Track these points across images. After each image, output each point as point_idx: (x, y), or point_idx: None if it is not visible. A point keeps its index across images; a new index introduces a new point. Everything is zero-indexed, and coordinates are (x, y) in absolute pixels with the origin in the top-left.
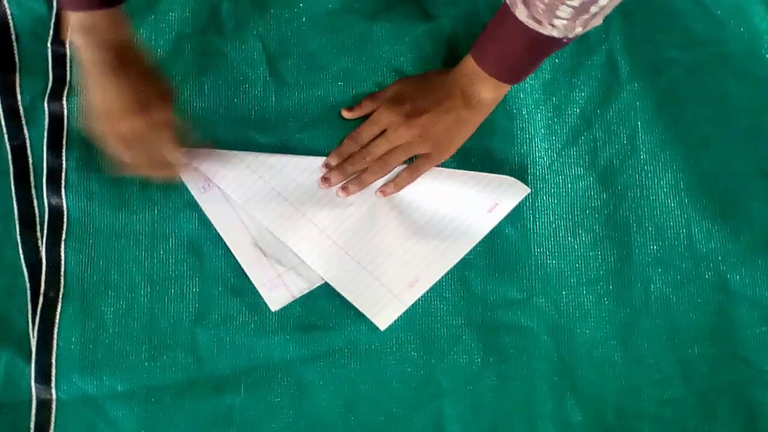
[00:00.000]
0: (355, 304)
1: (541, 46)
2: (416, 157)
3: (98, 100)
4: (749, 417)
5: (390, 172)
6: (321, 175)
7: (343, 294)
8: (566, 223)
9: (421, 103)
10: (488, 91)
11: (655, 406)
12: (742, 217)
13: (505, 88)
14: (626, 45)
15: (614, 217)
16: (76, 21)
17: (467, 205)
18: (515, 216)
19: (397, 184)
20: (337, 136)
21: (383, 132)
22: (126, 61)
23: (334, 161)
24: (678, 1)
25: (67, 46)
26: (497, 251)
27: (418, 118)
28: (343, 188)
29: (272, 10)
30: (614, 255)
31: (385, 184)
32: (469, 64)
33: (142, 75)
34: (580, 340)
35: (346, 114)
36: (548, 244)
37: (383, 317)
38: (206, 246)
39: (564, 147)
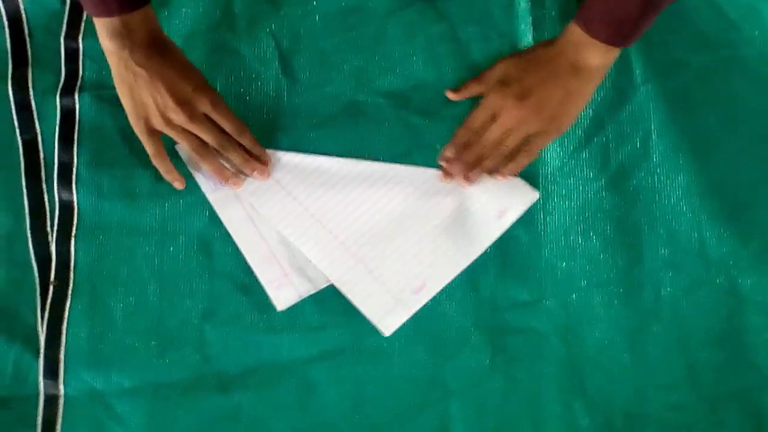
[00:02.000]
0: (360, 309)
1: None
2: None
3: (142, 99)
4: (757, 423)
5: (507, 154)
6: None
7: (348, 297)
8: (577, 225)
9: (529, 81)
10: (597, 58)
11: (662, 411)
12: (754, 222)
13: (615, 53)
14: (640, 46)
15: (625, 220)
16: (107, 26)
17: (476, 210)
18: (526, 218)
19: (518, 165)
20: (349, 135)
21: (495, 116)
22: (165, 57)
23: (451, 153)
24: (691, 3)
25: (80, 41)
26: (507, 253)
27: (529, 98)
28: (466, 178)
29: (285, 8)
30: (625, 258)
31: (506, 167)
32: (575, 31)
33: (181, 68)
34: (589, 343)
35: (451, 95)
36: (559, 247)
37: (388, 323)
38: (216, 243)
39: (576, 149)
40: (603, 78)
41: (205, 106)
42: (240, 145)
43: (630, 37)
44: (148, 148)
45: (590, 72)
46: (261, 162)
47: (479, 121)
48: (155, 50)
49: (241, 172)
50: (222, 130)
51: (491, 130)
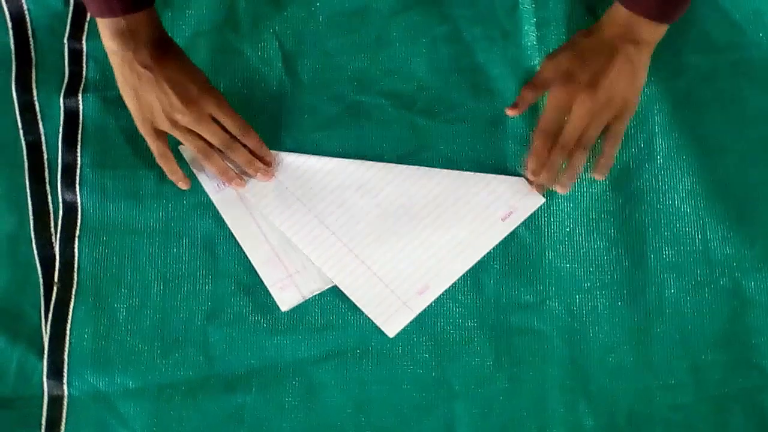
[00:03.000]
0: (364, 311)
1: None
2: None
3: (148, 100)
4: (761, 424)
5: (591, 147)
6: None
7: (352, 299)
8: (581, 227)
9: (592, 69)
10: (648, 33)
11: (666, 412)
12: (758, 224)
13: (663, 27)
14: None
15: (629, 222)
16: (110, 26)
17: (481, 213)
18: (530, 219)
19: (608, 156)
20: (353, 136)
21: (568, 113)
22: (168, 58)
23: (535, 164)
24: (696, 6)
25: (84, 42)
26: (511, 254)
27: (599, 86)
28: (561, 185)
29: (289, 9)
30: (629, 259)
31: (599, 165)
32: (620, 12)
33: (186, 69)
34: (593, 345)
35: (511, 113)
36: (562, 248)
37: (392, 324)
38: (219, 244)
39: None
40: (654, 47)
41: (210, 107)
42: (244, 145)
43: (675, 11)
44: (154, 149)
45: (647, 45)
46: (265, 163)
47: (553, 123)
48: (159, 51)
49: (245, 173)
50: (227, 131)
51: (569, 129)
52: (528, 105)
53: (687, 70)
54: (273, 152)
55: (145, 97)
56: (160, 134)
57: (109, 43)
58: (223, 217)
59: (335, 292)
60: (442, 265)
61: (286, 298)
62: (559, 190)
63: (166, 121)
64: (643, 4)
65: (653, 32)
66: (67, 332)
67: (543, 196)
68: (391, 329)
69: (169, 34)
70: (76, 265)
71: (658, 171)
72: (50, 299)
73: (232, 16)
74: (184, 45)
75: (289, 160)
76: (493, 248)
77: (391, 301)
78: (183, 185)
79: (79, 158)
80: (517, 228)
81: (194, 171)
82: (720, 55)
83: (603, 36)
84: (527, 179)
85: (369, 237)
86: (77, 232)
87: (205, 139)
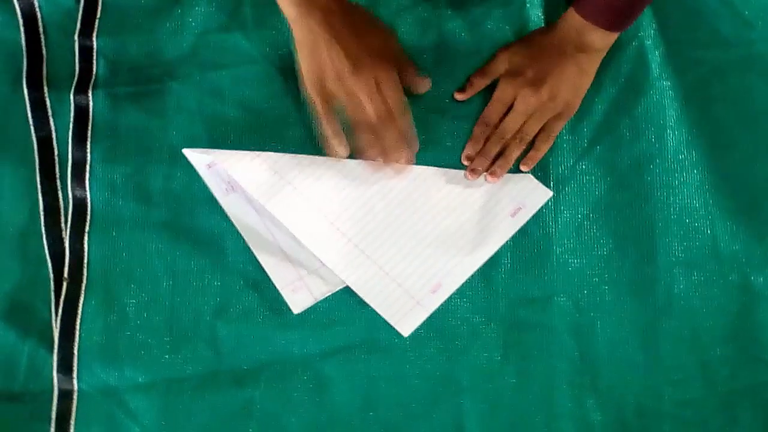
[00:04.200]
0: (378, 311)
1: None
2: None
3: (320, 62)
4: None
5: (529, 141)
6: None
7: (366, 300)
8: (590, 222)
9: (540, 67)
10: (599, 40)
11: (675, 407)
12: (767, 219)
13: (615, 35)
14: (655, 44)
15: (639, 217)
16: None
17: (490, 210)
18: (539, 214)
19: (539, 151)
20: None
21: (511, 107)
22: (345, 21)
23: (472, 150)
24: (706, 2)
25: (94, 39)
26: (520, 249)
27: (544, 84)
28: (491, 173)
29: None
30: (637, 255)
31: (527, 157)
32: (574, 18)
33: (362, 33)
34: (601, 340)
35: (459, 96)
36: (571, 243)
37: (406, 324)
38: (228, 240)
39: (590, 144)
40: (604, 55)
41: (379, 75)
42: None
43: (626, 23)
44: (320, 108)
45: (596, 52)
46: (411, 149)
47: (495, 114)
48: (337, 14)
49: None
50: (386, 104)
51: (509, 121)
52: (476, 91)
53: (697, 66)
54: (278, 154)
55: (318, 58)
56: (327, 95)
57: (289, 9)
58: (232, 219)
59: (344, 288)
60: (453, 262)
61: (298, 301)
62: (490, 178)
63: (335, 82)
64: (595, 13)
65: (603, 40)
66: (77, 327)
67: (550, 186)
68: (406, 328)
69: (178, 31)
70: (86, 261)
71: (668, 166)
72: (60, 294)
73: (239, 13)
74: (191, 42)
75: (296, 161)
76: (502, 244)
77: (405, 300)
78: (342, 151)
79: (89, 154)
80: (526, 224)
81: (200, 174)
82: (730, 51)
83: (556, 38)
84: (462, 163)
85: (380, 237)
86: (87, 228)
87: (363, 106)
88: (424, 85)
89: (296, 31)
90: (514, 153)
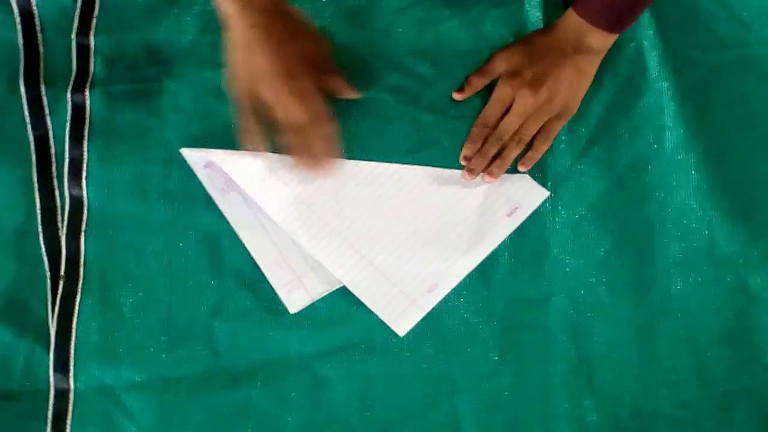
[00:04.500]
0: (374, 310)
1: None
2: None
3: (250, 62)
4: (766, 421)
5: (527, 143)
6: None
7: (362, 299)
8: (587, 222)
9: (539, 68)
10: (598, 41)
11: (671, 408)
12: (764, 221)
13: (614, 36)
14: (653, 45)
15: (636, 218)
16: None
17: (486, 209)
18: (537, 215)
19: (537, 152)
20: (358, 132)
21: (509, 107)
22: (281, 23)
23: (469, 151)
24: (703, 4)
25: (91, 38)
26: (517, 250)
27: (543, 84)
28: (489, 173)
29: (295, 4)
30: (634, 255)
31: (525, 158)
32: (574, 18)
33: (296, 36)
34: (598, 341)
35: (457, 96)
36: (568, 244)
37: (402, 323)
38: (225, 239)
39: (587, 145)
40: (603, 56)
41: (310, 80)
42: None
43: (625, 24)
44: (246, 106)
45: (594, 53)
46: (335, 154)
47: (493, 115)
48: (273, 15)
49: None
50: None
51: (507, 121)
52: (474, 91)
53: (694, 67)
54: (274, 155)
55: (248, 57)
56: (256, 95)
57: (225, 5)
58: (228, 219)
59: (341, 288)
60: (449, 262)
61: (294, 300)
62: (487, 178)
63: (266, 82)
64: (594, 15)
65: (602, 41)
66: (74, 326)
67: (547, 186)
68: (402, 328)
69: (175, 30)
70: (82, 260)
71: (665, 167)
72: (57, 293)
73: None
74: (189, 41)
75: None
76: (499, 243)
77: (401, 299)
78: (261, 149)
79: (86, 153)
80: (523, 223)
81: (196, 172)
82: (727, 52)
83: (555, 39)
84: (460, 164)
85: (376, 237)
86: (84, 227)
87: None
88: (351, 94)
89: (231, 28)
90: (512, 153)
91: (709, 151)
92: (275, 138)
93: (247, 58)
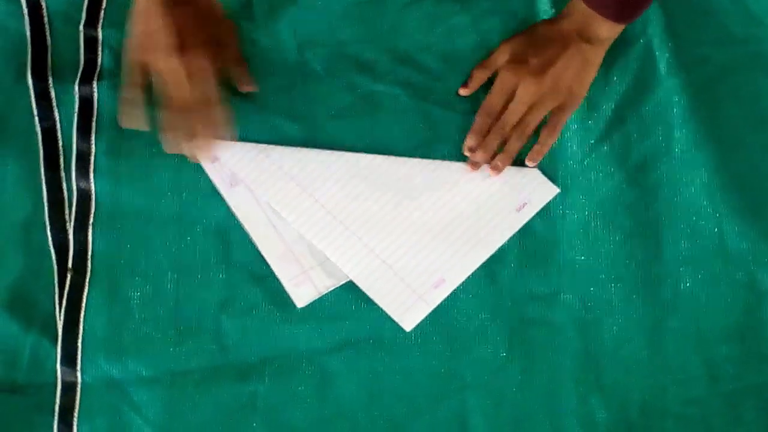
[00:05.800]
0: (381, 305)
1: None
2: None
3: (149, 32)
4: None
5: (531, 133)
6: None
7: (369, 294)
8: (597, 219)
9: (543, 56)
10: (605, 31)
11: (680, 406)
12: None
13: (621, 26)
14: (664, 41)
15: (646, 215)
16: None
17: (495, 204)
18: (545, 211)
19: (545, 145)
20: (366, 126)
21: (512, 96)
22: (200, 4)
23: (473, 142)
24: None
25: (99, 30)
26: (526, 246)
27: (547, 72)
28: (493, 167)
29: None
30: (644, 252)
31: (532, 152)
32: (579, 7)
33: (201, 14)
34: (607, 337)
35: (463, 91)
36: (578, 240)
37: (409, 318)
38: (233, 233)
39: (597, 142)
40: (609, 45)
41: (206, 61)
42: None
43: (633, 13)
44: (133, 76)
45: (601, 42)
46: (222, 137)
47: (496, 104)
48: None
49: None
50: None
51: (510, 111)
52: (478, 84)
53: (705, 63)
54: (280, 147)
55: (147, 27)
56: (147, 66)
57: None
58: (235, 213)
59: (349, 283)
60: (457, 257)
61: (302, 294)
62: (491, 172)
63: (161, 53)
64: (602, 4)
65: (610, 31)
66: (81, 319)
67: (557, 183)
68: (408, 323)
69: None
70: (90, 253)
71: (675, 164)
72: (64, 286)
73: (247, 5)
74: None
75: (300, 155)
76: (508, 240)
77: (408, 294)
78: (137, 122)
79: (93, 146)
80: (531, 219)
81: (204, 167)
82: (738, 48)
83: (561, 27)
84: (464, 155)
85: (383, 231)
86: (91, 220)
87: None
88: (250, 86)
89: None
90: (516, 146)
91: (719, 149)
92: (159, 115)
93: (144, 28)
